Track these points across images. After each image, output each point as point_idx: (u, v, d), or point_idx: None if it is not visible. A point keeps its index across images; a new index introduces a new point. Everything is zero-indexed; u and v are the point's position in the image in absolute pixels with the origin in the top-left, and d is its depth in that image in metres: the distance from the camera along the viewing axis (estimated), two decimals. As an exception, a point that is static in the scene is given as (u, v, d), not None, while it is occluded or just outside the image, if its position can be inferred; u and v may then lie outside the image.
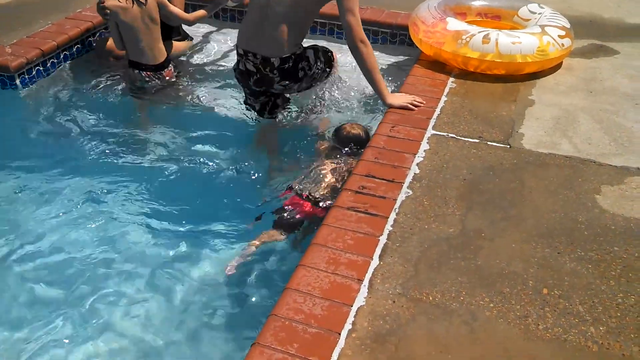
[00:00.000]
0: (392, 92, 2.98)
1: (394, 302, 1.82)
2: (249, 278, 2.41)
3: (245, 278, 2.41)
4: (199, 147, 3.23)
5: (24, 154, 3.14)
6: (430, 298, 1.85)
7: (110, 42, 3.71)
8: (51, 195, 2.84)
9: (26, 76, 3.50)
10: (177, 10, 3.63)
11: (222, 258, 2.52)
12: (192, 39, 4.16)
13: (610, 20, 4.04)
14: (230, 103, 3.55)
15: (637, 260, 2.00)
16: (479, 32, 3.16)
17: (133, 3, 3.41)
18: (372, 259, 1.97)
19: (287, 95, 3.26)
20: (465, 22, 3.40)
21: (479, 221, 2.17)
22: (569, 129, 2.75)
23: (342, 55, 3.61)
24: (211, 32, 4.40)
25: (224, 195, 2.87)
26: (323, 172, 2.70)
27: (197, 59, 4.09)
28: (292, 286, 1.84)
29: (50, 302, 2.32)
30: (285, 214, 2.57)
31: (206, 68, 3.96)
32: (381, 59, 3.77)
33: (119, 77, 3.72)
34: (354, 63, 2.92)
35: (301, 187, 2.66)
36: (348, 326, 1.73)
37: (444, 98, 3.01)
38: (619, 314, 1.80)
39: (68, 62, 3.77)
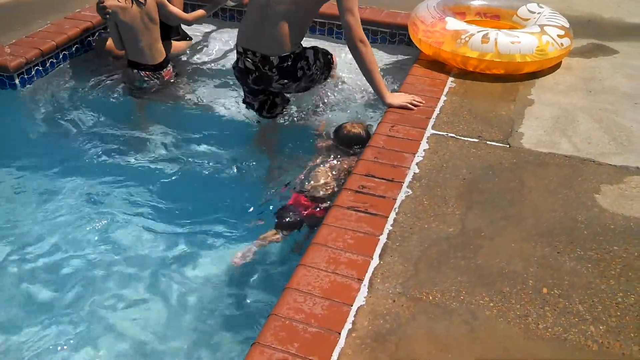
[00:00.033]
0: (391, 91, 2.98)
1: (394, 301, 1.82)
2: (249, 278, 2.41)
3: (245, 278, 2.42)
4: (198, 147, 3.23)
5: (23, 154, 3.14)
6: (430, 297, 1.85)
7: (110, 42, 3.71)
8: (50, 195, 2.84)
9: (25, 76, 3.50)
10: (176, 10, 3.63)
11: (222, 258, 2.51)
12: (191, 38, 4.16)
13: (609, 19, 4.04)
14: (230, 103, 3.55)
15: (637, 259, 2.01)
16: (478, 31, 3.16)
17: (132, 3, 3.41)
18: (372, 259, 1.97)
19: (287, 95, 3.26)
20: (465, 21, 3.41)
21: (478, 220, 2.17)
22: (568, 129, 2.76)
23: (342, 55, 3.61)
24: (210, 32, 4.39)
25: (224, 195, 2.87)
26: (323, 171, 2.70)
27: (196, 58, 4.08)
28: (292, 286, 1.84)
29: (50, 303, 2.32)
30: (285, 214, 2.57)
31: (205, 68, 3.96)
32: (380, 59, 3.78)
33: (118, 77, 3.72)
34: (354, 63, 2.92)
35: (301, 186, 2.66)
36: (348, 325, 1.73)
37: (443, 98, 3.01)
38: (618, 313, 1.80)
39: (67, 62, 3.77)
